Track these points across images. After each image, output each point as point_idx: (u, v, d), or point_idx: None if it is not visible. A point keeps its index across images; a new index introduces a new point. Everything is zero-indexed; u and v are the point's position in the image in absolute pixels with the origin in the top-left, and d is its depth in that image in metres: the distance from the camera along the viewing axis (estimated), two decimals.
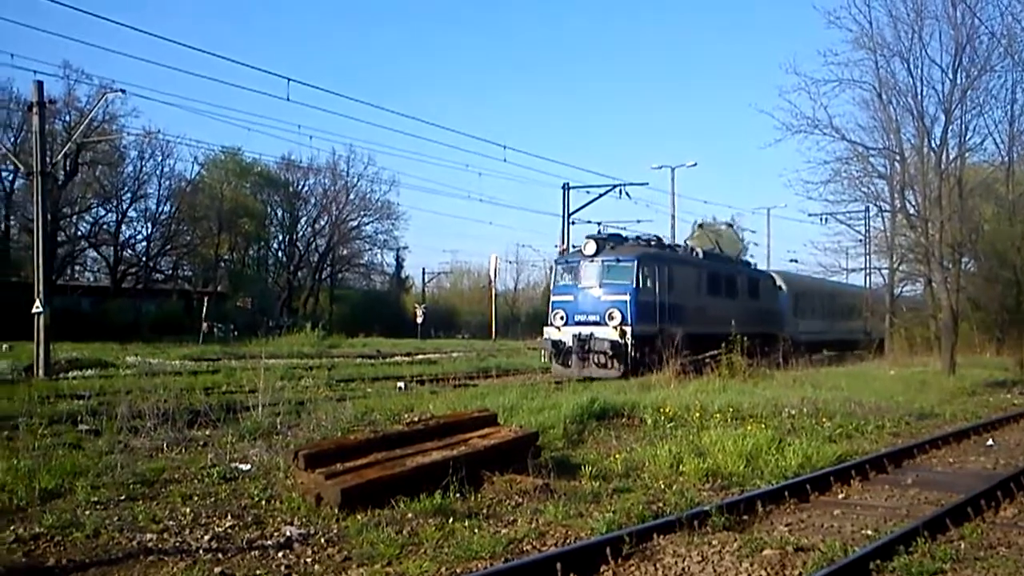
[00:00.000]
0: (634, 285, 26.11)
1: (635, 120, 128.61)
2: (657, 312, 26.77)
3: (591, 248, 26.84)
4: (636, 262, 26.52)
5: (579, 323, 26.13)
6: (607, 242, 27.76)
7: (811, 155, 53.23)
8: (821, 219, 41.30)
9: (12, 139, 48.30)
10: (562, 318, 26.58)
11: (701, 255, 32.92)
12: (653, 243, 30.59)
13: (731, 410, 15.27)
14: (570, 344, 25.79)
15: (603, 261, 26.70)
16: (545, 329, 27.37)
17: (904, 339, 36.96)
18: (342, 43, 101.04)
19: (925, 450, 13.12)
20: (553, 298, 27.83)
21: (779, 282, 38.38)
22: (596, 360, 25.59)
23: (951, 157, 32.31)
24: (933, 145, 32.15)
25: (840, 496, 9.97)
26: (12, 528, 7.33)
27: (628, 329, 25.45)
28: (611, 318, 25.61)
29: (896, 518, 8.74)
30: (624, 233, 32.20)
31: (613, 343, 25.35)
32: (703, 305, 29.99)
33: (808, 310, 41.52)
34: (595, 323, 25.86)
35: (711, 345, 25.58)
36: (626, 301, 25.83)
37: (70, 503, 8.13)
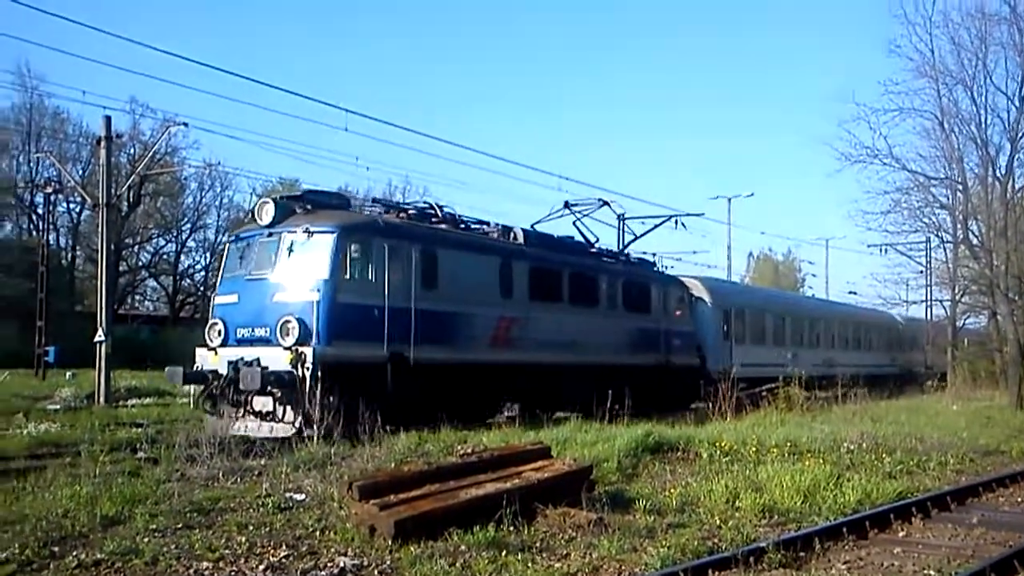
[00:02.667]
0: (330, 276, 15.82)
1: (692, 150, 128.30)
2: (386, 325, 16.29)
3: (268, 213, 16.70)
4: (338, 236, 16.13)
5: (241, 342, 16.15)
6: (298, 204, 17.23)
7: (871, 185, 52.70)
8: (881, 250, 40.73)
9: (80, 172, 49.75)
10: (220, 333, 16.54)
11: (520, 238, 21.49)
12: (394, 211, 19.92)
13: (788, 444, 15.02)
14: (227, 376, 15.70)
15: (285, 235, 16.39)
16: (197, 352, 16.86)
17: (967, 372, 36.06)
18: (398, 72, 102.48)
19: (991, 488, 12.74)
20: (215, 300, 17.78)
21: (701, 294, 28.86)
22: (253, 407, 15.46)
23: (1017, 186, 31.69)
24: (998, 174, 31.59)
25: (901, 534, 9.73)
26: (75, 554, 7.46)
27: (309, 352, 15.13)
28: (285, 333, 15.40)
29: (960, 559, 8.50)
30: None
31: (280, 377, 15.06)
32: (516, 318, 19.90)
33: (759, 335, 32.50)
34: (263, 341, 15.77)
35: (539, 385, 19.73)
36: (313, 304, 15.53)
37: (130, 530, 8.25)
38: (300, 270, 16.04)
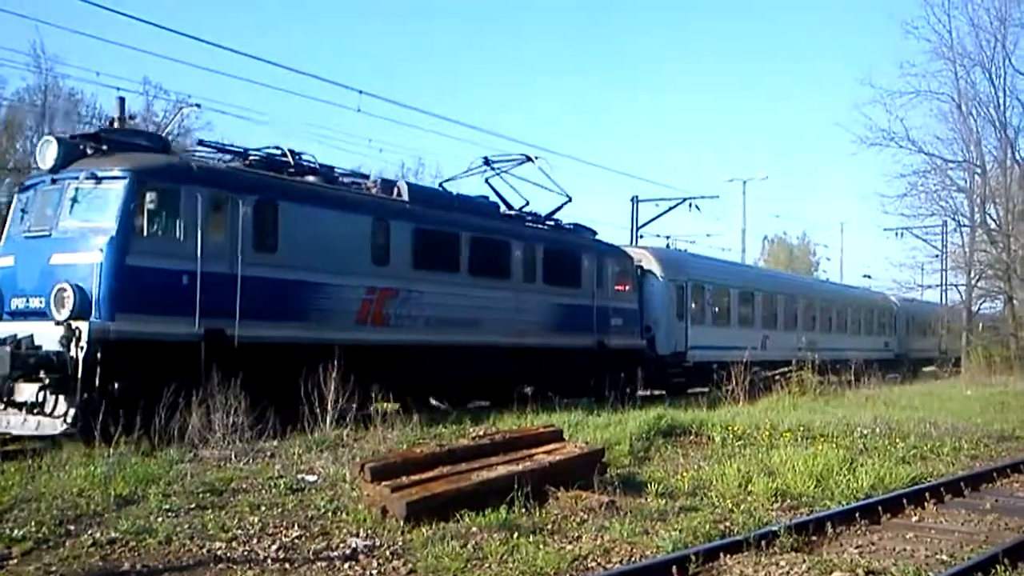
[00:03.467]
0: (118, 232, 12.54)
1: (707, 132, 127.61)
2: (198, 295, 13.11)
3: (51, 155, 13.24)
4: (131, 182, 12.84)
5: (15, 314, 12.91)
6: (91, 143, 13.73)
7: (887, 168, 52.67)
8: (897, 234, 40.68)
9: None
10: None
11: (405, 193, 17.61)
12: (240, 159, 15.78)
13: (801, 429, 15.00)
14: None
15: (69, 182, 13.05)
16: None
17: (982, 358, 35.96)
18: (408, 53, 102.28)
19: (1005, 474, 12.69)
20: None
21: (650, 266, 25.08)
22: (14, 397, 12.00)
23: None
24: (1017, 157, 31.38)
25: (914, 519, 9.70)
26: (89, 532, 7.52)
27: (85, 327, 12.01)
28: (59, 304, 12.17)
29: (974, 543, 8.47)
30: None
31: (48, 359, 11.91)
32: (395, 290, 16.39)
33: (721, 314, 28.99)
34: (39, 314, 12.51)
35: (430, 370, 16.84)
36: (94, 267, 12.37)
37: (143, 510, 8.30)
38: (84, 226, 12.74)
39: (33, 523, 7.66)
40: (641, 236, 38.74)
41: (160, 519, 8.00)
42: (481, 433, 11.16)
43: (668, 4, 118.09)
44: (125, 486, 8.99)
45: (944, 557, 7.92)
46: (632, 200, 39.58)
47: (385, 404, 14.70)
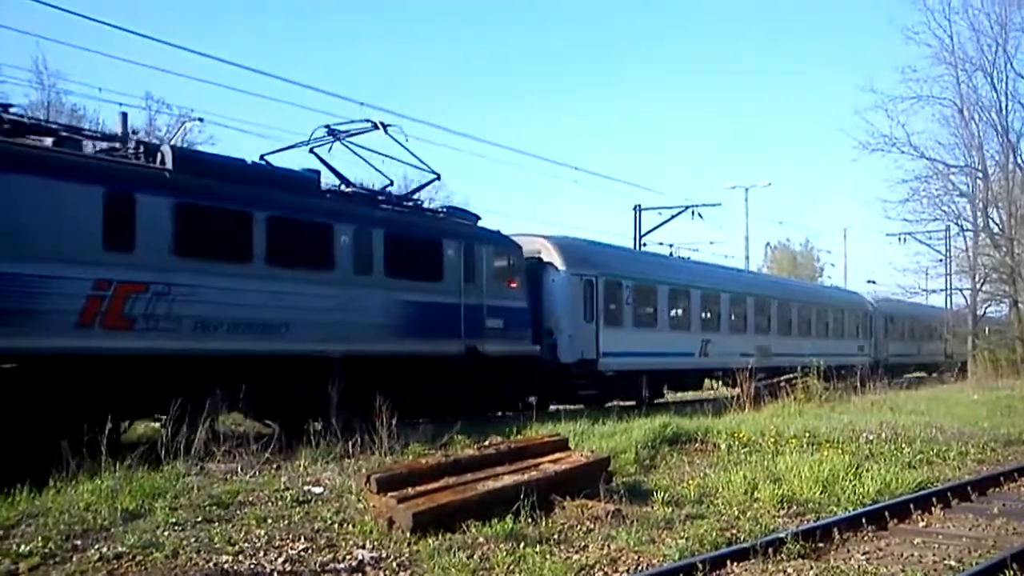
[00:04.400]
0: None
1: (709, 140, 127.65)
2: None
3: None
4: None
5: None
6: None
7: (889, 174, 52.73)
8: (900, 239, 40.60)
9: None
10: None
11: (168, 160, 13.76)
12: None
13: (807, 435, 14.98)
14: None
15: None
16: None
17: (988, 361, 35.89)
18: (411, 66, 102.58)
19: (1013, 478, 12.66)
20: None
21: (550, 258, 21.21)
22: None
23: None
24: (1019, 161, 31.39)
25: (920, 524, 9.69)
26: (96, 547, 7.52)
27: None
28: None
29: (981, 549, 8.46)
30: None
31: None
32: (143, 284, 12.71)
33: (647, 315, 24.53)
34: None
35: (202, 387, 12.13)
36: None
37: (150, 523, 8.31)
38: None
39: (40, 538, 7.67)
40: (644, 244, 38.78)
41: (167, 533, 8.01)
42: (487, 443, 11.16)
43: (669, 12, 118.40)
44: (132, 500, 8.99)
45: (952, 563, 7.91)
46: (635, 209, 39.64)
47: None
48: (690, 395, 26.67)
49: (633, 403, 21.84)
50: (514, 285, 19.32)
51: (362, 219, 16.05)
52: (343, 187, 17.37)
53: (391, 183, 18.70)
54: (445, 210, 19.24)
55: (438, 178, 19.37)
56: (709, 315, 27.36)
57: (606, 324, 22.10)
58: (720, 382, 28.34)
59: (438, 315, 17.15)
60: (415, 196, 19.27)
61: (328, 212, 15.56)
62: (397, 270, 16.32)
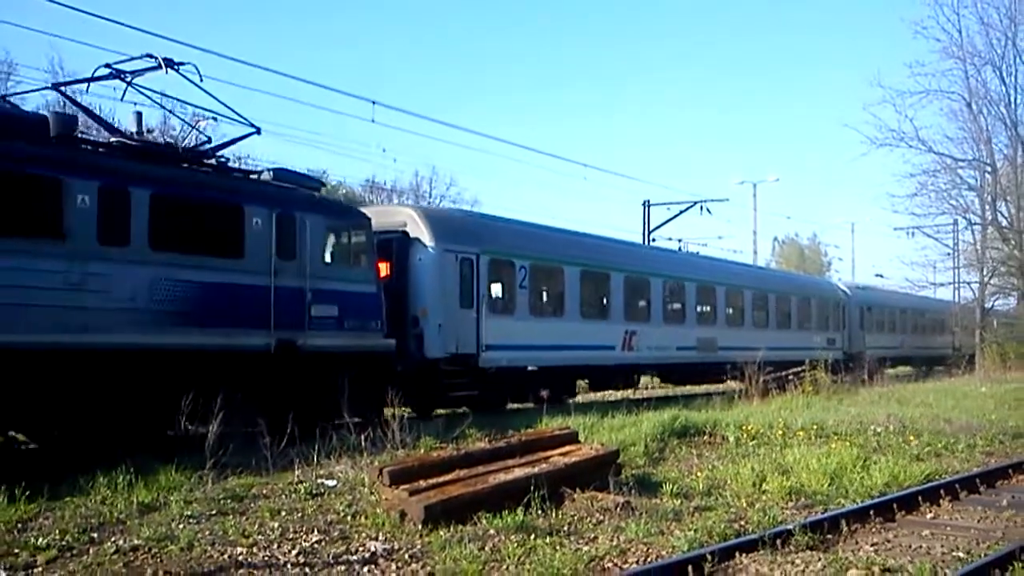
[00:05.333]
0: None
1: (717, 136, 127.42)
2: None
3: None
4: None
5: None
6: None
7: (897, 168, 52.69)
8: (908, 233, 40.52)
9: None
10: None
11: None
12: None
13: (815, 427, 15.03)
14: None
15: None
16: None
17: (996, 354, 35.82)
18: (421, 64, 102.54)
19: (1021, 470, 12.66)
20: None
21: (417, 232, 17.60)
22: None
23: None
24: None
25: (929, 516, 9.73)
26: (112, 540, 7.62)
27: None
28: None
29: (990, 540, 8.50)
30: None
31: None
32: None
33: (551, 301, 21.26)
34: None
35: None
36: None
37: (165, 516, 8.41)
38: None
39: (57, 531, 7.77)
40: (653, 240, 38.78)
41: (182, 525, 8.11)
42: (497, 436, 11.23)
43: (677, 7, 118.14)
44: (147, 494, 9.10)
45: (960, 554, 7.95)
46: (644, 204, 39.63)
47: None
48: (618, 395, 23.64)
49: (532, 405, 18.49)
50: (360, 265, 15.46)
51: (113, 174, 12.17)
52: (114, 139, 13.77)
53: (208, 140, 15.56)
54: (271, 172, 14.97)
55: (257, 132, 15.31)
56: (635, 303, 23.50)
57: (492, 311, 18.52)
58: (659, 379, 26.92)
59: (236, 300, 13.41)
60: (223, 152, 15.18)
61: (55, 163, 11.59)
62: (171, 242, 12.63)
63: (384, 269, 16.43)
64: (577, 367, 21.13)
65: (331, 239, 15.18)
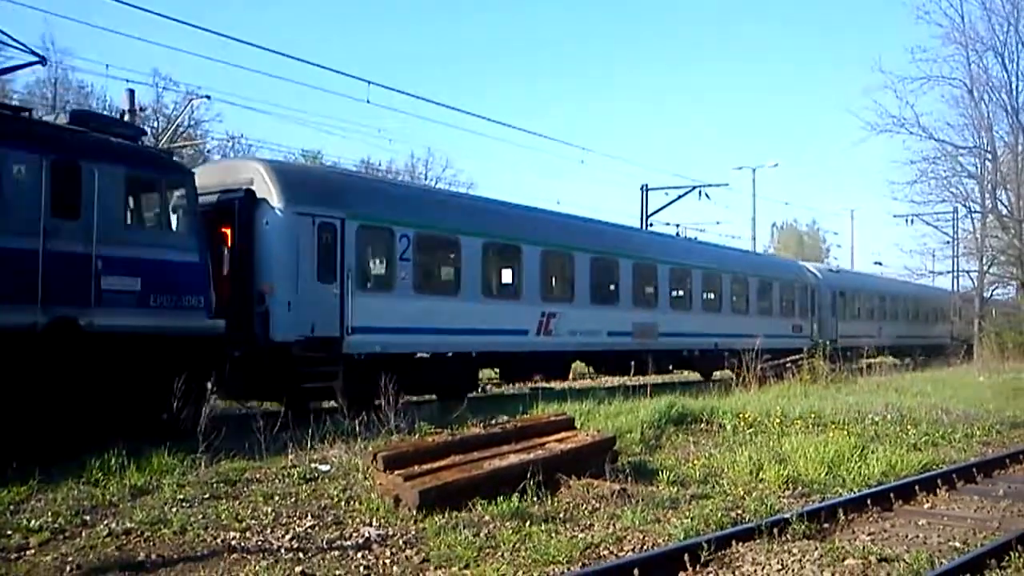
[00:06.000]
0: None
1: (715, 120, 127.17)
2: None
3: None
4: None
5: None
6: None
7: (897, 155, 52.58)
8: (907, 220, 40.43)
9: None
10: None
11: None
12: None
13: (813, 416, 15.00)
14: None
15: None
16: None
17: (995, 344, 35.77)
18: (418, 44, 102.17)
19: (1018, 460, 12.66)
20: None
21: (264, 191, 14.83)
22: None
23: None
24: None
25: (926, 506, 9.71)
26: (105, 523, 7.58)
27: None
28: None
29: (987, 530, 8.47)
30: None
31: None
32: None
33: (445, 279, 18.37)
34: None
35: None
36: None
37: (158, 500, 8.36)
38: None
39: (50, 513, 7.73)
40: (651, 225, 38.68)
41: (175, 509, 8.06)
42: (493, 422, 11.19)
43: None
44: (140, 477, 9.06)
45: (957, 544, 7.92)
46: (642, 189, 39.51)
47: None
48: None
49: (429, 397, 17.24)
50: (175, 229, 12.83)
51: None
52: None
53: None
54: (67, 115, 12.46)
55: (41, 62, 13.74)
56: (556, 281, 20.89)
57: (362, 288, 15.59)
58: (591, 368, 24.12)
59: None
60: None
61: None
62: None
63: (227, 237, 14.39)
64: (482, 354, 18.10)
65: (133, 196, 12.47)
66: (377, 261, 16.85)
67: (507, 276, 19.85)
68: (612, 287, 22.38)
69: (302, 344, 14.46)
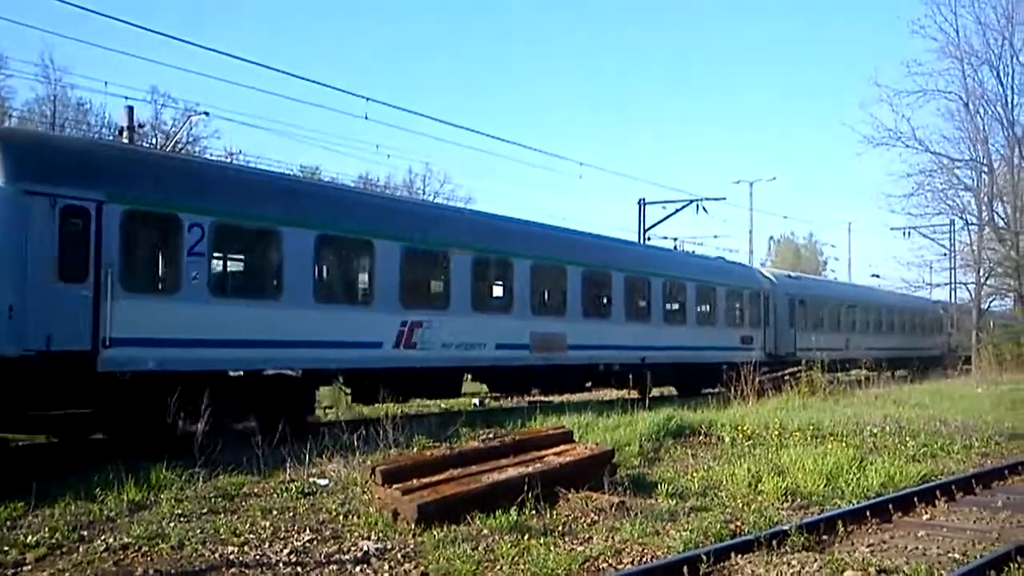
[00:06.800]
0: None
1: (714, 135, 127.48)
2: None
3: None
4: None
5: None
6: None
7: (894, 168, 52.70)
8: (904, 233, 40.49)
9: None
10: None
11: None
12: None
13: (811, 428, 14.99)
14: None
15: None
16: None
17: (992, 355, 35.76)
18: (416, 61, 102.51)
19: (1017, 471, 12.65)
20: None
21: None
22: None
23: None
24: None
25: (925, 517, 9.69)
26: (103, 538, 7.56)
27: None
28: None
29: (986, 542, 8.46)
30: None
31: None
32: None
33: (260, 278, 15.01)
34: None
35: None
36: None
37: (156, 515, 8.35)
38: None
39: (47, 529, 7.72)
40: (649, 239, 38.71)
41: (173, 524, 8.05)
42: (491, 435, 11.18)
43: (675, 7, 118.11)
44: (138, 492, 9.04)
45: (956, 555, 7.91)
46: (639, 203, 39.58)
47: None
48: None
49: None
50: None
51: None
52: None
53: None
54: None
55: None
56: (422, 284, 17.55)
57: (128, 289, 12.24)
58: (487, 387, 20.62)
59: None
60: None
61: None
62: None
63: None
64: (314, 372, 14.84)
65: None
66: (155, 256, 13.62)
67: (353, 278, 16.52)
68: (502, 292, 19.05)
69: (33, 361, 11.13)
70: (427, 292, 17.50)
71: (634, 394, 21.32)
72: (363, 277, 16.25)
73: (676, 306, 24.55)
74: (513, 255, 18.86)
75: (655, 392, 21.97)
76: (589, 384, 21.77)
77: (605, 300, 21.74)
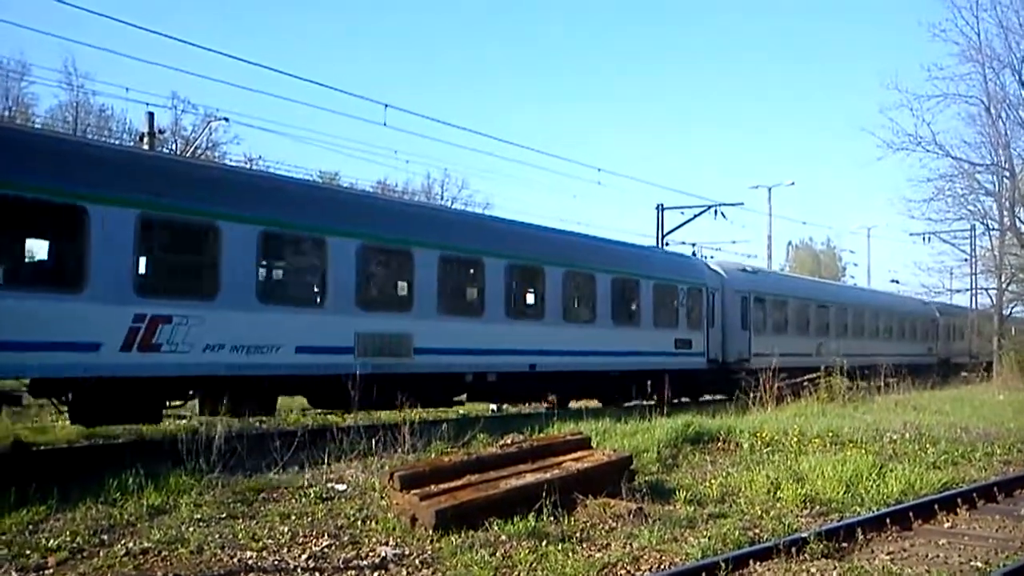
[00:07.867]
0: None
1: (732, 140, 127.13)
2: None
3: None
4: None
5: None
6: None
7: (913, 173, 52.33)
8: (924, 238, 40.20)
9: None
10: None
11: None
12: None
13: (830, 435, 14.90)
14: None
15: None
16: None
17: (1014, 362, 35.36)
18: (438, 67, 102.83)
19: None
20: None
21: None
22: None
23: None
24: None
25: (946, 525, 9.61)
26: (123, 542, 7.61)
27: None
28: None
29: (1008, 551, 8.38)
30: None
31: None
32: None
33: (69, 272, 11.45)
34: None
35: None
36: None
37: (175, 519, 8.39)
38: None
39: (68, 533, 7.77)
40: (667, 244, 38.62)
41: (192, 529, 8.09)
42: (509, 441, 11.19)
43: (692, 11, 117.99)
44: (157, 496, 9.08)
45: (978, 564, 7.85)
46: (657, 208, 39.48)
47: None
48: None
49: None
50: None
51: None
52: None
53: None
54: None
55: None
56: (171, 266, 12.96)
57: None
58: (313, 399, 15.91)
59: None
60: None
61: None
62: None
63: None
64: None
65: None
66: None
67: (45, 257, 12.78)
68: (317, 278, 14.57)
69: None
70: (180, 279, 12.89)
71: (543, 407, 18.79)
72: (69, 258, 11.77)
73: (582, 302, 20.24)
74: (332, 234, 14.38)
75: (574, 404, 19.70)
76: (464, 397, 18.43)
77: (475, 292, 17.51)
